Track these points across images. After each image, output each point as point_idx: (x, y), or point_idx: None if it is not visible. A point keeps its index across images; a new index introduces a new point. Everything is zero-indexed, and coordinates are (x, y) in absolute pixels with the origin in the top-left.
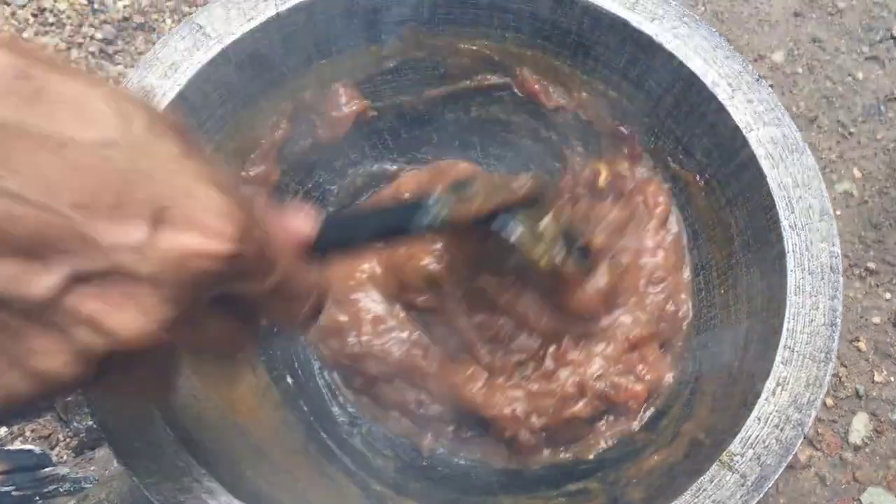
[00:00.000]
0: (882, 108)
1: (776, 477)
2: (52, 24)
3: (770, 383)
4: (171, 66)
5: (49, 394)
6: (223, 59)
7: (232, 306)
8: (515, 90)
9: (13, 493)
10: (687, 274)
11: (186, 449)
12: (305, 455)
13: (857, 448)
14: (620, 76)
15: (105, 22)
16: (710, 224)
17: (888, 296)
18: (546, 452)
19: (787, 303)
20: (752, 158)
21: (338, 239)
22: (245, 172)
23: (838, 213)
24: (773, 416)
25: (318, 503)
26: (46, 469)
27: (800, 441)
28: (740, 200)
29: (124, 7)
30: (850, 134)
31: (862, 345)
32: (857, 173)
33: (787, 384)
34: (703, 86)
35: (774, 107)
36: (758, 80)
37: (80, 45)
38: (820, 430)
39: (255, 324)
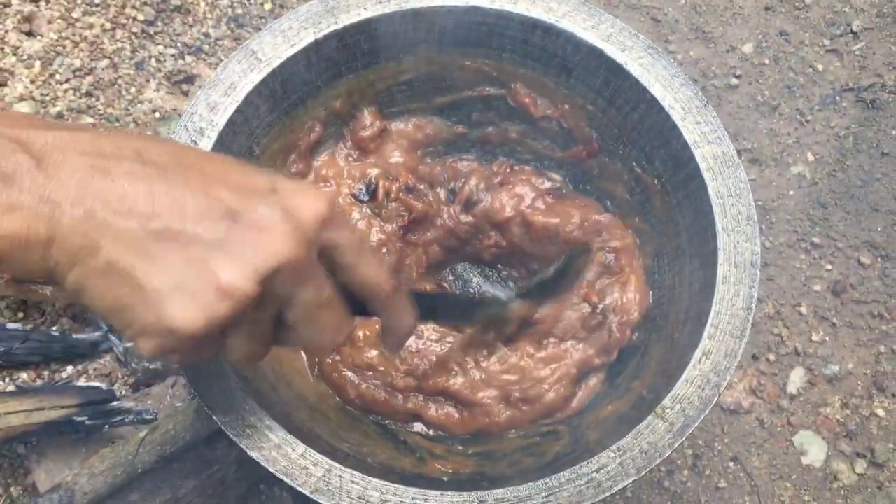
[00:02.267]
0: (837, 98)
1: (696, 425)
2: (97, 5)
3: (698, 353)
4: (231, 86)
5: (235, 309)
6: (272, 77)
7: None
8: (509, 101)
9: (86, 422)
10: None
11: (251, 395)
12: (335, 401)
13: (792, 397)
14: (596, 94)
15: (146, 4)
16: (664, 220)
17: (829, 267)
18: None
19: (716, 290)
20: (697, 170)
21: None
22: (286, 170)
23: (791, 192)
24: (697, 378)
25: (345, 437)
26: (113, 403)
27: (716, 398)
28: (687, 203)
29: None
30: (807, 121)
31: (803, 309)
32: (810, 157)
33: (711, 354)
34: (661, 108)
35: (717, 128)
36: (705, 105)
37: (123, 25)
38: (762, 382)
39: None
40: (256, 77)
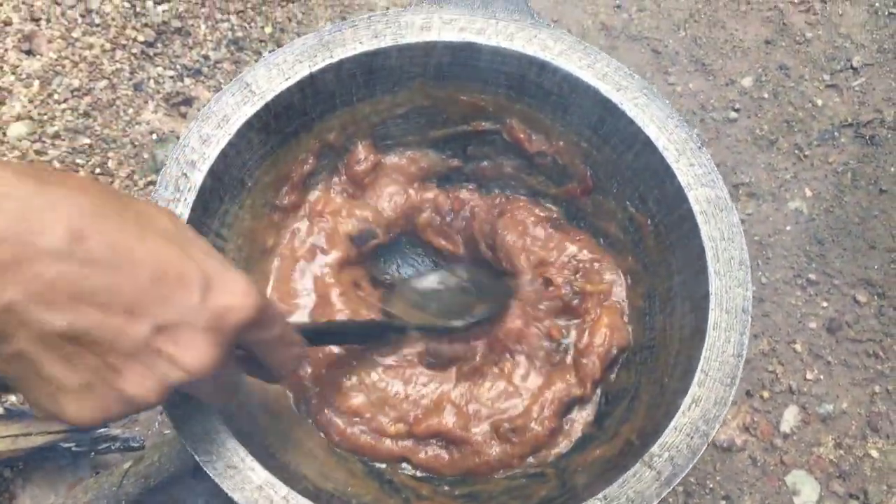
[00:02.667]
0: (836, 133)
1: (684, 474)
2: (97, 26)
3: (687, 400)
4: (224, 118)
5: (134, 412)
6: (265, 111)
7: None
8: (504, 136)
9: (73, 448)
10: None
11: (234, 434)
12: (321, 438)
13: (786, 436)
14: (591, 132)
15: (146, 25)
16: (657, 261)
17: (825, 304)
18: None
19: (707, 335)
20: (690, 213)
21: (320, 337)
22: (278, 201)
23: (788, 228)
24: (686, 426)
25: (330, 476)
26: (100, 430)
27: (704, 447)
28: (680, 245)
29: (163, 11)
30: (805, 156)
31: (798, 346)
32: (808, 192)
33: (700, 401)
34: (655, 149)
35: (711, 171)
36: (700, 147)
37: (123, 46)
38: (755, 419)
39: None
40: (250, 110)
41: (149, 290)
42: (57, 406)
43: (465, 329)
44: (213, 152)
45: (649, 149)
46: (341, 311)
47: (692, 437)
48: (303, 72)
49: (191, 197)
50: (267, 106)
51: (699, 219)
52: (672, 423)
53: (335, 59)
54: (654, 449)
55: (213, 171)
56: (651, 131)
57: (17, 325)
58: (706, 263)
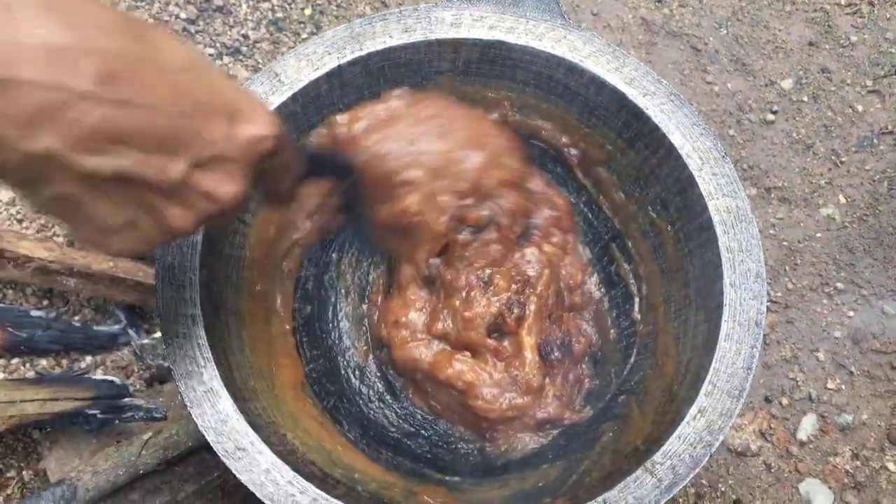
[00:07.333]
0: (875, 140)
1: (685, 483)
2: (142, 0)
3: (693, 409)
4: None
5: (171, 241)
6: (293, 100)
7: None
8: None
9: (98, 416)
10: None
11: (245, 416)
12: (323, 420)
13: (802, 444)
14: (616, 134)
15: (189, 2)
16: (675, 267)
17: (851, 314)
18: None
19: (718, 346)
20: (710, 222)
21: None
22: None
23: (819, 234)
24: (690, 435)
25: (338, 461)
26: (125, 399)
27: (706, 458)
28: (698, 254)
29: None
30: (842, 162)
31: (821, 355)
32: (842, 199)
33: (706, 412)
34: (679, 155)
35: (733, 181)
36: (723, 156)
37: (166, 22)
38: (773, 425)
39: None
40: (277, 99)
41: (183, 127)
42: (102, 242)
43: None
44: None
45: (673, 155)
46: None
47: (695, 447)
48: (332, 63)
49: None
50: (294, 96)
51: (718, 229)
52: (677, 432)
53: (364, 52)
54: (657, 457)
55: None
56: (675, 138)
57: (58, 170)
58: (722, 274)
